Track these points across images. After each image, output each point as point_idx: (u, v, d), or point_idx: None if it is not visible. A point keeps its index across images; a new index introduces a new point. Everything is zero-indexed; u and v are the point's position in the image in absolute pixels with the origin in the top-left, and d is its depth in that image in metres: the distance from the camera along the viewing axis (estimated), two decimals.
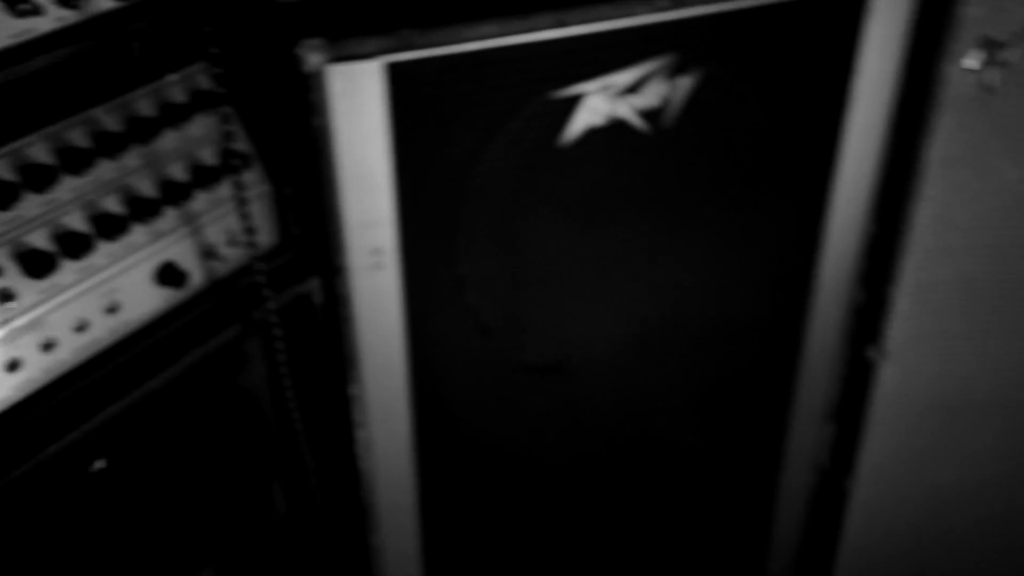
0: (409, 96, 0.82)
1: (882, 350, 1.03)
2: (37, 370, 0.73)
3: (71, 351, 0.75)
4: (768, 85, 0.90)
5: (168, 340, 0.80)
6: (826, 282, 1.02)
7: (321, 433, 0.97)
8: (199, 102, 0.81)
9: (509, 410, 1.03)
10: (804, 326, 1.05)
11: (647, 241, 0.97)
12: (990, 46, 0.87)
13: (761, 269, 1.01)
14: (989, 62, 0.87)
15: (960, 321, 1.01)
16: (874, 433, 1.08)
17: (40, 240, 0.73)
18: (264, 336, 0.87)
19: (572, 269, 0.97)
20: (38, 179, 0.73)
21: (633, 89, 0.87)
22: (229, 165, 0.81)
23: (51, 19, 0.72)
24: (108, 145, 0.77)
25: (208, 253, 0.82)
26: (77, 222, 0.75)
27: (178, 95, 0.81)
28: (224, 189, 0.82)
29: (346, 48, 0.80)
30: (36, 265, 0.72)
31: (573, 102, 0.86)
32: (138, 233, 0.78)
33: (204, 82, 0.82)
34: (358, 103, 0.81)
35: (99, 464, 0.80)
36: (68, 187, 0.75)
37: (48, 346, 0.74)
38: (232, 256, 0.83)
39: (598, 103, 0.87)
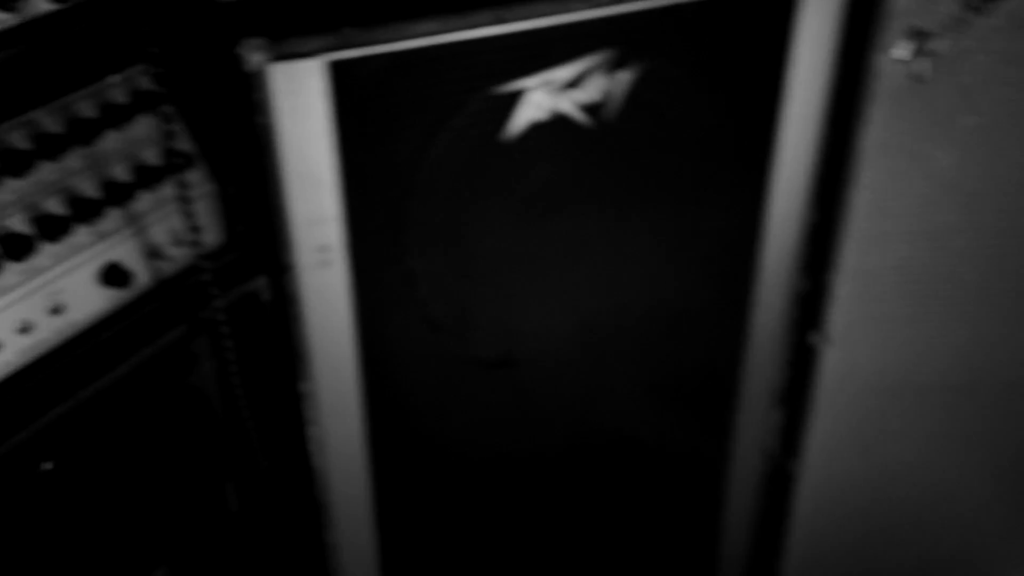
0: (352, 93, 0.83)
1: (825, 336, 1.05)
2: None
3: (16, 352, 0.75)
4: (706, 78, 0.92)
5: (114, 340, 0.80)
6: (769, 270, 1.04)
7: (274, 431, 0.98)
8: (141, 103, 0.81)
9: (461, 404, 1.04)
10: (748, 314, 1.07)
11: (593, 234, 0.99)
12: (919, 37, 0.89)
13: (705, 259, 1.03)
14: (919, 52, 0.90)
15: (899, 306, 1.03)
16: (819, 417, 1.10)
17: None
18: (213, 335, 0.87)
19: (520, 263, 0.98)
20: None
21: (574, 84, 0.89)
22: (172, 165, 0.81)
23: None
24: (49, 147, 0.77)
25: (153, 253, 0.82)
26: (19, 224, 0.75)
27: (119, 96, 0.81)
28: (168, 189, 0.82)
29: (287, 47, 0.81)
30: None
31: (515, 97, 0.88)
32: (81, 234, 0.78)
33: (146, 83, 0.82)
34: (301, 101, 0.82)
35: (46, 466, 0.80)
36: (9, 189, 0.75)
37: None
38: (178, 256, 0.83)
39: (540, 98, 0.88)
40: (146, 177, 0.81)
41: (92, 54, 0.80)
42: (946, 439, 1.11)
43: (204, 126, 0.84)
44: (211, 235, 0.85)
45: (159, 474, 0.90)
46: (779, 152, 0.97)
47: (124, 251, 0.80)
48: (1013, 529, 1.16)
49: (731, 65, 0.92)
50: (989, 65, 0.91)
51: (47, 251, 0.76)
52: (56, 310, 0.77)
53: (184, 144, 0.83)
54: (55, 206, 0.77)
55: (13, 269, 0.74)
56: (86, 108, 0.80)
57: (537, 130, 0.90)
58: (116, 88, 0.81)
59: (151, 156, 0.82)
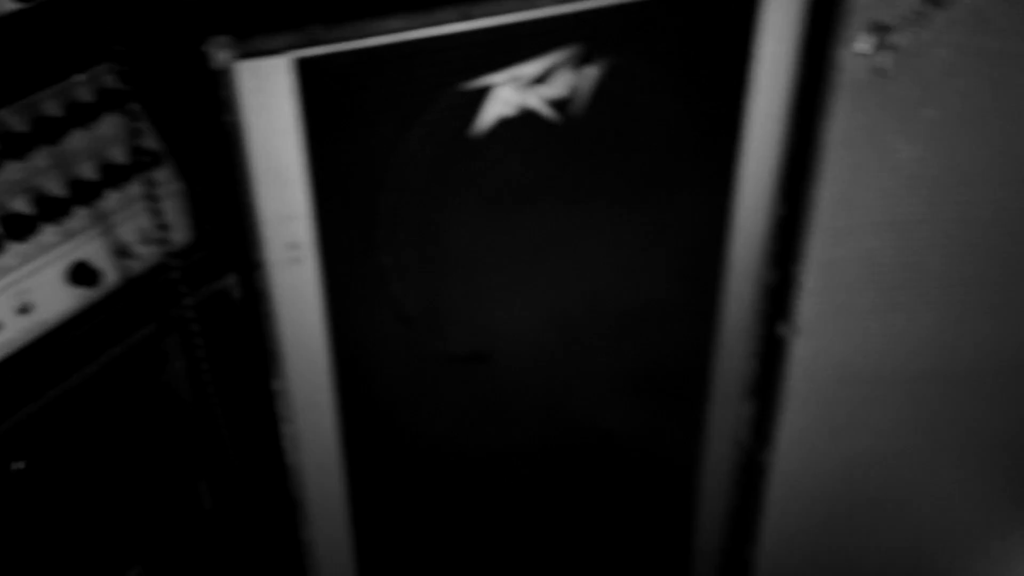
0: (319, 91, 0.83)
1: (793, 327, 1.07)
2: None
3: None
4: (672, 73, 0.93)
5: (84, 339, 0.80)
6: (737, 263, 1.05)
7: (247, 429, 0.98)
8: (107, 101, 0.81)
9: (435, 399, 1.05)
10: (718, 307, 1.08)
11: (564, 229, 0.99)
12: (880, 31, 0.90)
13: (675, 253, 1.04)
14: (880, 46, 0.91)
15: (865, 296, 1.05)
16: (790, 408, 1.12)
17: None
18: (183, 333, 0.87)
19: (492, 258, 0.99)
20: None
21: (541, 80, 0.89)
22: (139, 163, 0.81)
23: None
24: (15, 146, 0.77)
25: (122, 252, 0.82)
26: None
27: (85, 95, 0.81)
28: (136, 187, 0.82)
29: (254, 44, 0.81)
30: None
31: (483, 93, 0.88)
32: (49, 233, 0.78)
33: (111, 81, 0.82)
34: (268, 99, 0.82)
35: (18, 465, 0.80)
36: None
37: None
38: (147, 254, 0.83)
39: (508, 94, 0.89)
40: (113, 176, 0.81)
41: (57, 53, 0.80)
42: (914, 427, 1.13)
43: (171, 124, 0.84)
44: (180, 233, 0.85)
45: (132, 473, 0.90)
46: (745, 146, 0.98)
47: (92, 250, 0.80)
48: (980, 516, 1.18)
49: (696, 60, 0.93)
50: (949, 58, 0.92)
51: (14, 251, 0.76)
52: (24, 309, 0.77)
53: (151, 142, 0.83)
54: (22, 205, 0.77)
55: None
56: (52, 107, 0.80)
57: (505, 126, 0.90)
58: (82, 87, 0.81)
59: (118, 154, 0.82)
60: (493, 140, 0.90)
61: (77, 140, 0.80)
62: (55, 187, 0.79)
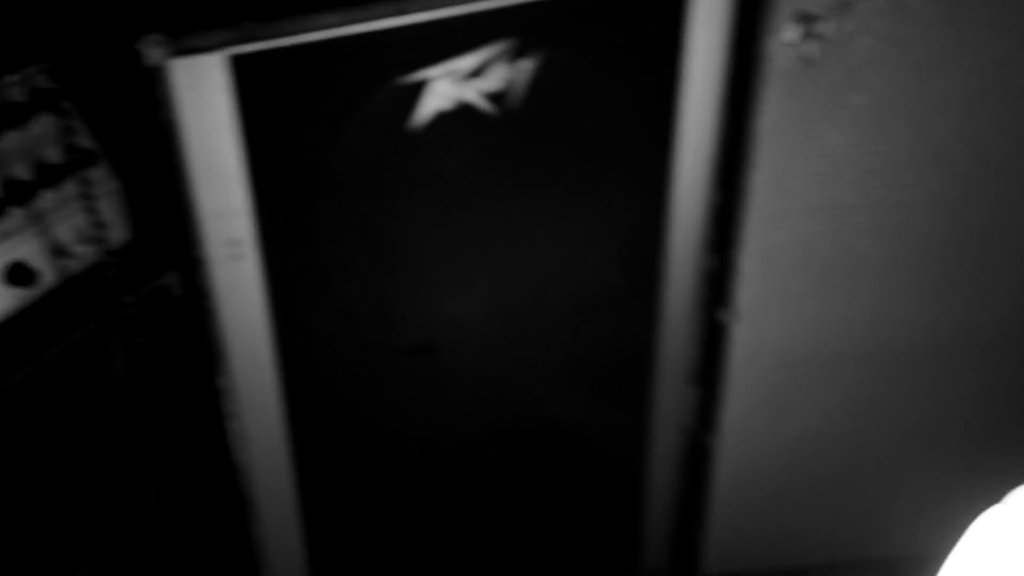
0: (255, 87, 0.84)
1: (733, 312, 1.09)
2: None
3: None
4: (606, 65, 0.94)
5: (22, 339, 0.80)
6: (676, 251, 1.07)
7: (193, 426, 0.98)
8: (39, 101, 0.81)
9: (382, 393, 1.06)
10: (660, 294, 1.10)
11: (506, 220, 1.01)
12: (806, 20, 0.93)
13: (615, 242, 1.06)
14: (807, 35, 0.94)
15: (802, 280, 1.07)
16: (733, 392, 1.14)
17: None
18: (124, 332, 0.87)
19: (435, 250, 1.00)
20: None
21: (477, 73, 0.90)
22: (74, 162, 0.81)
23: None
24: None
25: (59, 251, 0.82)
26: None
27: (17, 95, 0.81)
28: (71, 187, 0.82)
29: (188, 42, 0.81)
30: None
31: (420, 88, 0.89)
32: None
33: (43, 81, 0.82)
34: (204, 96, 0.83)
35: None
36: None
37: None
38: (84, 253, 0.83)
39: (444, 88, 0.90)
40: (48, 175, 0.81)
41: None
42: (852, 407, 1.16)
43: (105, 123, 0.84)
44: (117, 232, 0.85)
45: (76, 474, 0.90)
46: (680, 136, 1.00)
47: (28, 250, 0.80)
48: (919, 492, 1.21)
49: (629, 52, 0.95)
50: (873, 46, 0.95)
51: None
52: None
53: (85, 141, 0.83)
54: None
55: None
56: None
57: (443, 119, 0.91)
58: (14, 87, 0.81)
59: (52, 154, 0.82)
60: (431, 134, 0.91)
61: (10, 141, 0.80)
62: None
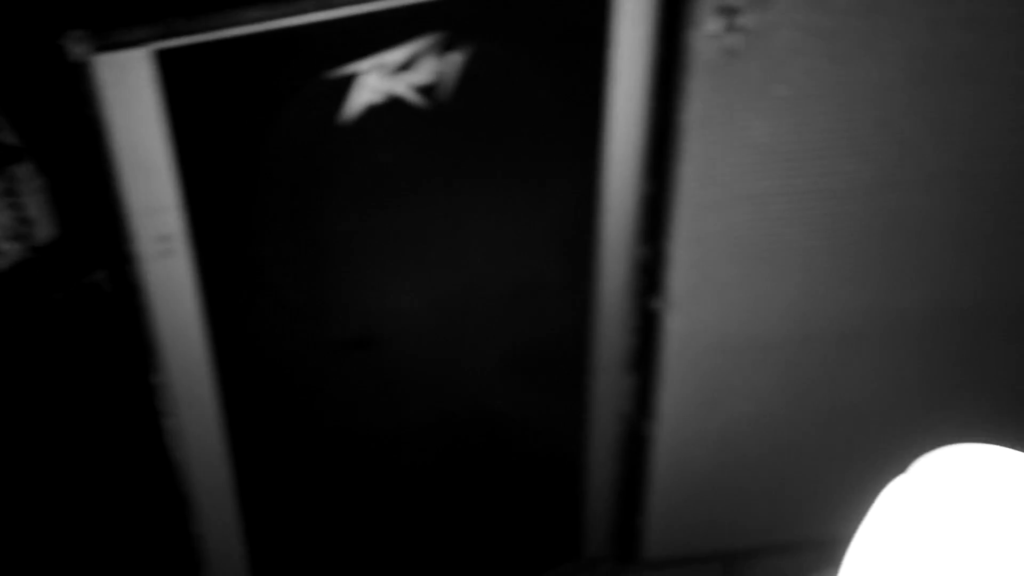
0: (182, 82, 0.84)
1: (666, 301, 1.11)
2: None
3: None
4: (534, 57, 0.96)
5: None
6: (609, 241, 1.09)
7: (129, 425, 0.97)
8: None
9: (320, 388, 1.06)
10: (594, 284, 1.12)
11: (440, 212, 1.02)
12: (727, 13, 0.95)
13: (549, 233, 1.08)
14: (729, 28, 0.96)
15: (732, 268, 1.10)
16: (668, 379, 1.16)
17: None
18: (54, 330, 0.87)
19: (370, 243, 1.00)
20: None
21: (406, 67, 0.91)
22: None
23: None
24: None
25: None
26: None
27: None
28: None
29: (112, 37, 0.81)
30: None
31: (349, 81, 0.90)
32: None
33: None
34: (129, 91, 0.82)
35: None
36: None
37: None
38: (10, 251, 0.83)
39: (374, 81, 0.91)
40: None
41: None
42: (784, 391, 1.19)
43: (30, 119, 0.84)
44: (44, 229, 0.84)
45: (6, 475, 0.89)
46: (609, 128, 1.02)
47: None
48: (850, 474, 1.24)
49: (556, 46, 0.96)
50: (794, 38, 0.97)
51: None
52: None
53: (8, 137, 0.82)
54: None
55: None
56: None
57: (374, 113, 0.92)
58: None
59: None
60: (362, 127, 0.92)
61: None
62: None
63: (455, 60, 0.93)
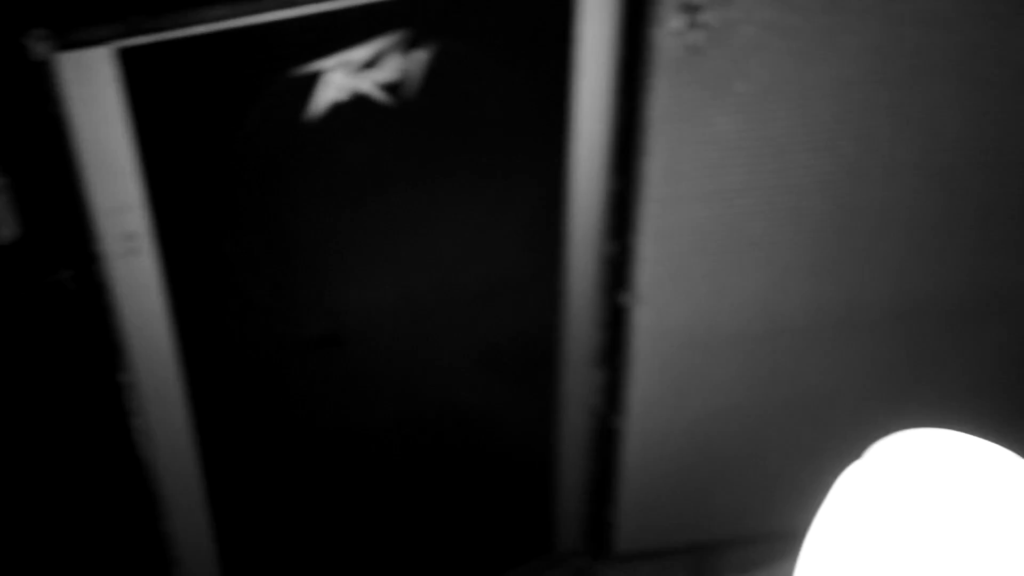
0: (145, 80, 0.84)
1: (634, 295, 1.12)
2: None
3: None
4: (499, 55, 0.97)
5: None
6: (577, 237, 1.10)
7: (97, 424, 0.97)
8: None
9: (289, 386, 1.06)
10: (563, 280, 1.13)
11: (408, 209, 1.02)
12: (690, 10, 0.96)
13: (517, 229, 1.09)
14: (691, 25, 0.97)
15: (697, 262, 1.11)
16: (637, 373, 1.17)
17: None
18: (20, 329, 0.86)
19: (337, 241, 1.01)
20: None
21: (371, 64, 0.92)
22: None
23: None
24: None
25: None
26: None
27: None
28: None
29: (75, 35, 0.81)
30: None
31: (314, 79, 0.90)
32: None
33: None
34: (93, 90, 0.82)
35: None
36: None
37: None
38: None
39: (339, 79, 0.91)
40: None
41: None
42: (752, 383, 1.20)
43: None
44: (7, 228, 0.84)
45: None
46: (575, 125, 1.03)
47: None
48: (816, 464, 1.26)
49: (521, 43, 0.97)
50: (756, 35, 0.99)
51: None
52: None
53: None
54: None
55: None
56: None
57: (339, 110, 0.92)
58: None
59: None
60: (328, 125, 0.92)
61: None
62: None
63: (420, 58, 0.93)
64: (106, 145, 0.85)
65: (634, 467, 1.24)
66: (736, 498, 1.30)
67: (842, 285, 1.15)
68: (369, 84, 0.93)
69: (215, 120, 0.88)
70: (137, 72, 0.83)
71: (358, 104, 0.93)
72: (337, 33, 0.89)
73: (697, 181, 1.06)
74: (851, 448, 0.89)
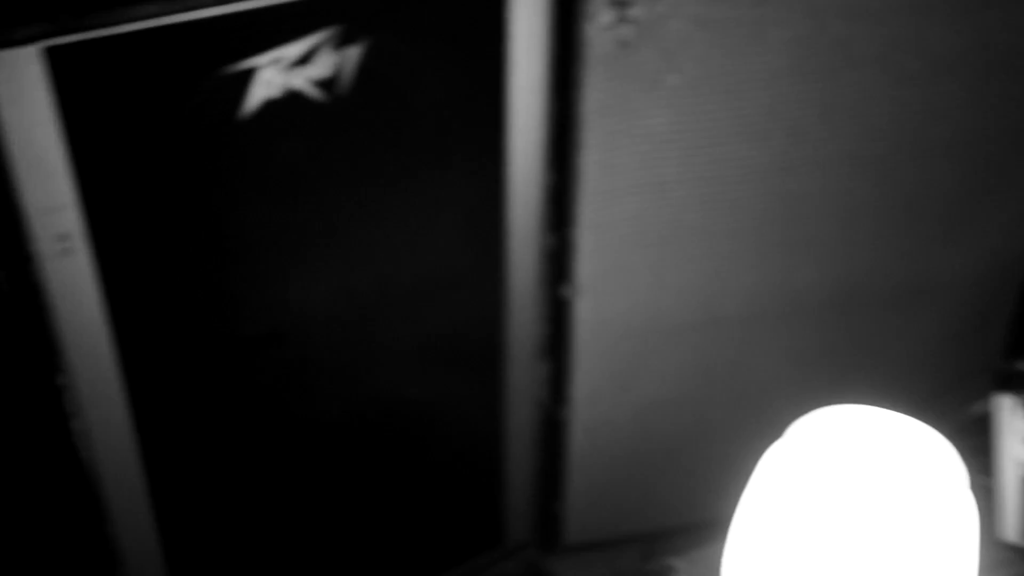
0: (75, 79, 0.84)
1: (575, 288, 1.14)
2: None
3: None
4: (432, 51, 0.98)
5: None
6: (517, 231, 1.12)
7: (35, 428, 0.96)
8: None
9: (232, 384, 1.06)
10: (504, 274, 1.14)
11: (347, 206, 1.03)
12: (619, 5, 0.98)
13: (457, 225, 1.10)
14: (621, 20, 0.99)
15: (636, 254, 1.13)
16: (581, 365, 1.19)
17: None
18: None
19: (278, 239, 1.01)
20: None
21: (304, 61, 0.92)
22: None
23: None
24: None
25: None
26: None
27: None
28: None
29: (1, 34, 0.80)
30: None
31: (247, 76, 0.91)
32: None
33: None
34: (21, 90, 0.82)
35: None
36: None
37: None
38: None
39: (271, 76, 0.92)
40: None
41: None
42: (694, 372, 1.22)
43: None
44: None
45: None
46: (511, 120, 1.05)
47: None
48: (757, 451, 1.28)
49: (454, 39, 0.98)
50: (684, 29, 1.01)
51: None
52: None
53: None
54: None
55: None
56: None
57: (273, 107, 0.93)
58: None
59: None
60: (262, 122, 0.93)
61: None
62: None
63: (353, 54, 0.94)
64: (37, 145, 0.84)
65: (581, 458, 1.25)
66: (684, 485, 1.32)
67: (778, 274, 1.17)
68: (302, 81, 0.93)
69: (147, 118, 0.88)
70: (66, 71, 0.83)
71: (292, 101, 0.93)
72: (269, 30, 0.89)
73: (633, 174, 1.08)
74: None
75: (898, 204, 1.15)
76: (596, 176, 1.07)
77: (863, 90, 1.07)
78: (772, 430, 1.29)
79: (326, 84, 0.94)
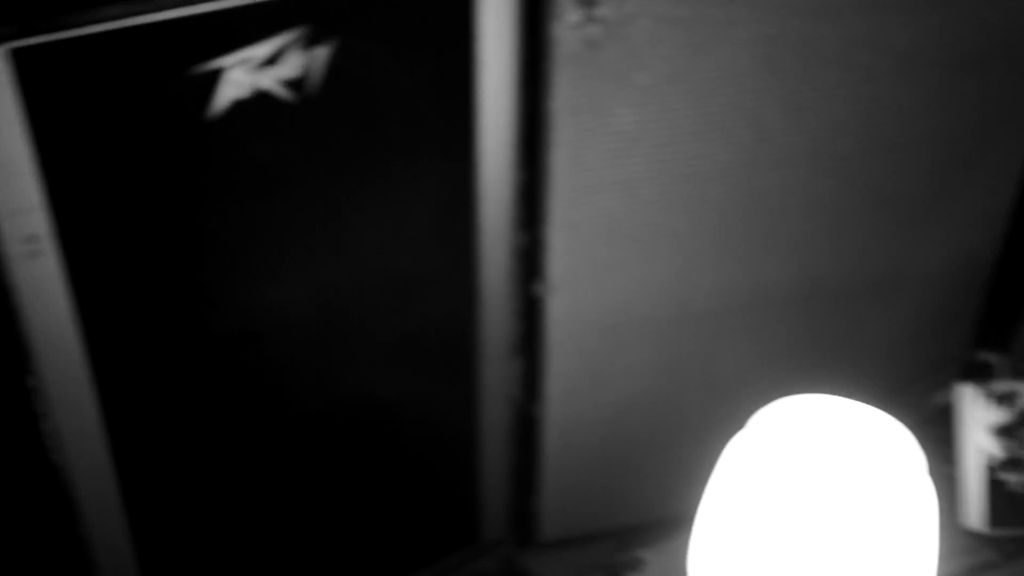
0: (41, 81, 0.84)
1: (547, 285, 1.15)
2: None
3: None
4: (400, 50, 0.98)
5: None
6: (489, 229, 1.12)
7: (5, 429, 0.96)
8: None
9: (204, 384, 1.06)
10: (476, 272, 1.15)
11: (318, 205, 1.03)
12: (586, 4, 0.99)
13: (429, 223, 1.10)
14: (588, 19, 1.00)
15: (606, 251, 1.14)
16: (554, 362, 1.20)
17: None
18: None
19: (246, 238, 1.01)
20: None
21: (272, 61, 0.93)
22: None
23: None
24: None
25: None
26: None
27: None
28: None
29: None
30: None
31: (214, 77, 0.91)
32: None
33: None
34: None
35: None
36: None
37: None
38: None
39: (239, 76, 0.92)
40: None
41: None
42: (665, 368, 1.23)
43: None
44: None
45: None
46: (481, 119, 1.05)
47: None
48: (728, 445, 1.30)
49: (423, 39, 0.99)
50: (652, 27, 1.02)
51: None
52: None
53: None
54: None
55: None
56: None
57: (241, 107, 0.93)
58: None
59: None
60: (230, 122, 0.93)
61: None
62: None
63: (321, 54, 0.94)
64: (3, 147, 0.84)
65: (555, 454, 1.26)
66: (657, 480, 1.33)
67: (746, 269, 1.19)
68: (271, 81, 0.93)
69: (115, 119, 0.88)
70: (32, 72, 0.83)
71: (260, 101, 0.94)
72: (236, 30, 0.90)
73: (602, 171, 1.09)
74: None
75: (863, 199, 1.17)
76: (566, 174, 1.08)
77: (828, 88, 1.09)
78: (744, 422, 1.30)
79: (295, 84, 0.94)
